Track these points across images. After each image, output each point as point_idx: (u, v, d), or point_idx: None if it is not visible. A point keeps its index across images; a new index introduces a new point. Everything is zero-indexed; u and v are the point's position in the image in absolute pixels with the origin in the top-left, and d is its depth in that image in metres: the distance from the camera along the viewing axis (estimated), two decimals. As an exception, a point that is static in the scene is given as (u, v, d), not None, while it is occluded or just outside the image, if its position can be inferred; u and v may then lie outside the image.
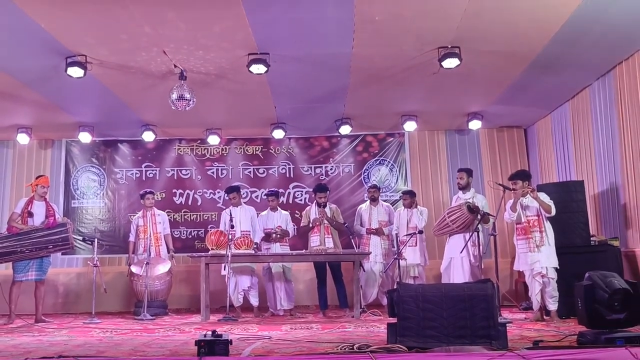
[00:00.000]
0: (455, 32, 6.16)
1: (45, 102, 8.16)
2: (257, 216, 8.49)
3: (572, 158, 8.62)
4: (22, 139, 9.48)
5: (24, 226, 7.42)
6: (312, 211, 8.24)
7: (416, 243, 8.04)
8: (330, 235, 8.01)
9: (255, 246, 7.91)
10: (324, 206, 8.07)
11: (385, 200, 9.12)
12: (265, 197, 8.70)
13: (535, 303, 6.55)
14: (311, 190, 9.53)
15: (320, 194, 8.12)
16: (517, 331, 5.44)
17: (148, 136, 9.61)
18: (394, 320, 4.45)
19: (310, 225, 8.13)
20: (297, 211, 9.43)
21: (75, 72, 6.60)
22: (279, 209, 8.52)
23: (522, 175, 6.81)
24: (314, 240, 8.05)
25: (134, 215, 9.11)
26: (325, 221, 8.00)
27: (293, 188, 10.17)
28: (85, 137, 9.54)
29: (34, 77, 7.20)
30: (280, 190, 9.80)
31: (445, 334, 4.25)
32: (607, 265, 6.26)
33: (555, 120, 9.20)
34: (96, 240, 8.07)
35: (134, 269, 8.27)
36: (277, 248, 8.17)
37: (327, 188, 8.36)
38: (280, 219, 8.40)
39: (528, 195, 6.56)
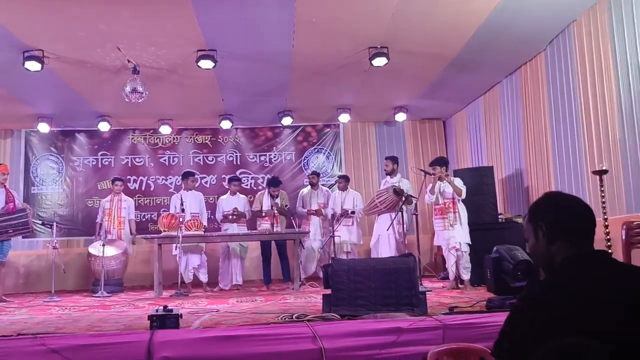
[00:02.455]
0: (384, 34, 6.21)
1: (4, 94, 7.77)
2: (217, 199, 8.51)
3: (483, 146, 8.84)
4: (-19, 129, 9.01)
5: (-16, 212, 7.05)
6: (265, 199, 8.17)
7: (353, 223, 8.12)
8: (279, 224, 7.97)
9: (204, 228, 7.83)
10: (276, 197, 8.03)
11: (322, 184, 9.15)
12: (228, 182, 8.54)
13: (451, 274, 6.68)
14: (256, 176, 9.95)
15: (274, 188, 8.07)
16: (435, 298, 5.52)
17: (103, 126, 9.32)
18: (328, 291, 4.47)
19: (263, 214, 8.09)
20: (242, 195, 9.33)
21: (33, 65, 6.33)
22: (237, 193, 8.43)
23: (441, 162, 6.90)
24: (265, 226, 8.02)
25: (102, 199, 8.82)
26: (276, 211, 7.97)
27: (240, 174, 10.00)
28: (44, 128, 9.19)
29: (-9, 70, 6.84)
30: (228, 176, 9.76)
31: (373, 303, 4.29)
32: (512, 240, 6.38)
33: (469, 113, 9.41)
34: (55, 224, 7.82)
35: (91, 250, 8.07)
36: (234, 228, 8.07)
37: (280, 182, 8.32)
38: (239, 202, 8.32)
39: (444, 180, 6.70)
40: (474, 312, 4.08)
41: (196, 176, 8.79)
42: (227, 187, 8.69)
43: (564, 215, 1.70)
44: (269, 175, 10.02)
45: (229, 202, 8.28)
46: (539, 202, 1.79)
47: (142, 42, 6.21)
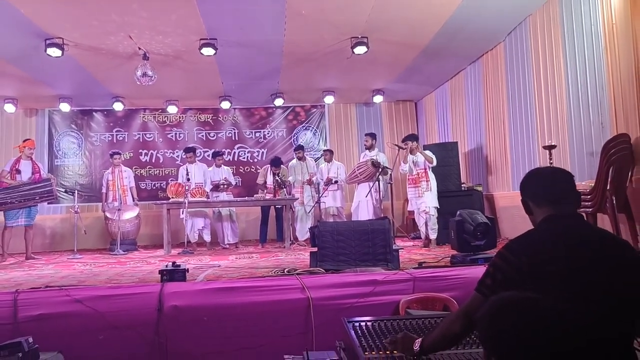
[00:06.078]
0: (364, 25, 6.12)
1: (28, 77, 7.59)
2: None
3: (449, 124, 8.84)
4: (9, 108, 8.82)
5: (13, 181, 6.94)
6: (268, 176, 8.11)
7: (337, 188, 8.12)
8: (279, 196, 7.91)
9: (207, 195, 7.80)
10: (278, 174, 7.95)
11: (310, 157, 9.12)
12: (212, 156, 8.47)
13: (422, 234, 6.74)
14: (252, 150, 9.92)
15: (276, 168, 8.00)
16: (407, 255, 5.55)
17: (118, 106, 9.15)
18: (315, 249, 4.50)
19: (266, 190, 8.05)
20: (240, 167, 9.37)
21: (54, 52, 6.18)
22: (222, 165, 8.39)
23: (412, 137, 6.92)
24: (268, 197, 7.95)
25: (105, 171, 8.74)
26: (277, 187, 7.92)
27: (237, 149, 10.01)
28: (65, 107, 9.02)
29: (17, 56, 6.66)
30: (227, 150, 9.74)
31: (354, 259, 4.33)
32: (473, 205, 6.49)
33: (438, 96, 9.37)
34: (76, 191, 7.71)
35: (108, 214, 8.03)
36: (223, 196, 8.03)
37: (281, 162, 8.23)
38: (224, 173, 8.27)
39: (417, 153, 6.71)
40: (439, 267, 4.13)
41: (197, 151, 8.69)
42: (212, 160, 8.55)
43: (537, 188, 1.75)
44: (264, 150, 10.01)
45: (216, 174, 8.23)
46: (521, 182, 1.82)
47: (151, 31, 6.07)
